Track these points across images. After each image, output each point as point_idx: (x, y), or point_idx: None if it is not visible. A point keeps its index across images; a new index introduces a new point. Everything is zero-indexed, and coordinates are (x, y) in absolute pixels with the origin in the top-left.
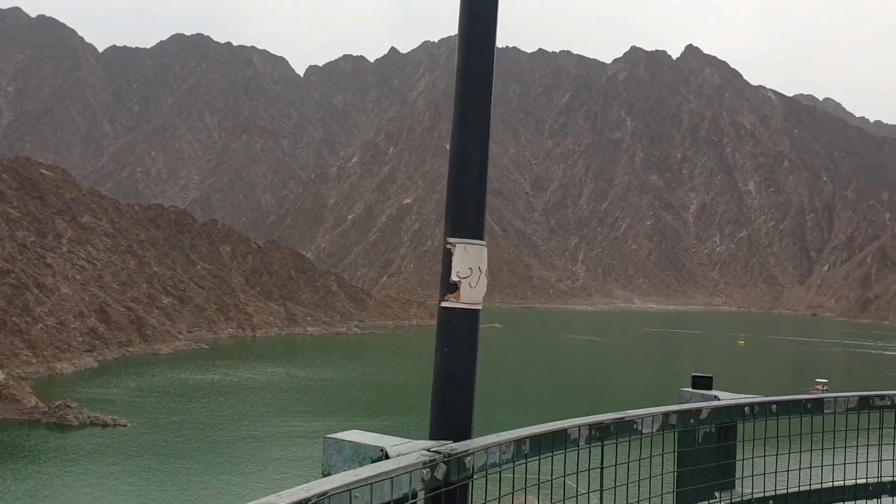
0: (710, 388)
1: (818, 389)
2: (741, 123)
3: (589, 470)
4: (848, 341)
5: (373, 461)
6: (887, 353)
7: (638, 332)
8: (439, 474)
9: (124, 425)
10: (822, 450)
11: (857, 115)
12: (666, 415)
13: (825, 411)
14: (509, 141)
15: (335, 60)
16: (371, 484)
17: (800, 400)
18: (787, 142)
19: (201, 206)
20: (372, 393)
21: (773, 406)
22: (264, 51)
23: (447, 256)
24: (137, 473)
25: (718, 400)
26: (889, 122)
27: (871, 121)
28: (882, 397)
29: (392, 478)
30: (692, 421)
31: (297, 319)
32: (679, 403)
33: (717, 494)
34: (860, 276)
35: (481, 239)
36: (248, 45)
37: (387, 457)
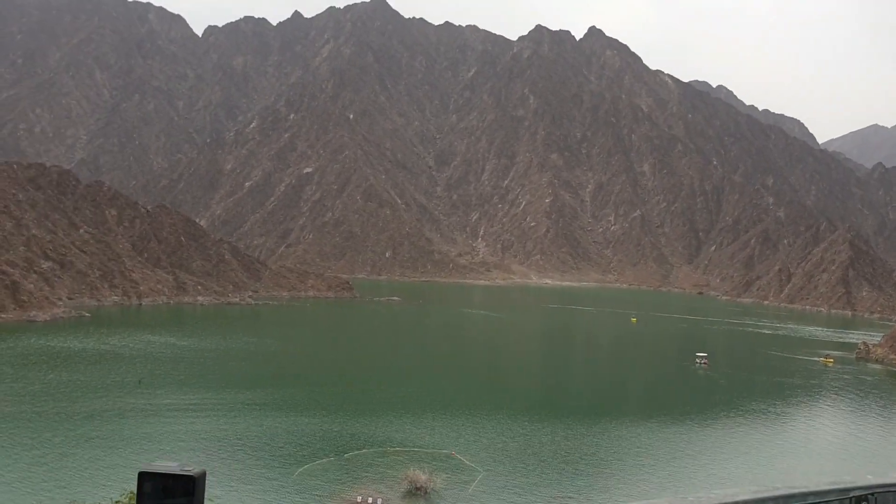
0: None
1: (698, 362)
2: (639, 106)
3: None
4: (730, 319)
5: None
6: (764, 331)
7: (538, 308)
8: None
9: None
10: None
11: (747, 104)
12: None
13: None
14: (414, 114)
15: (235, 22)
16: None
17: None
18: (681, 126)
19: (89, 168)
20: (250, 364)
21: None
22: (160, 8)
23: None
24: None
25: None
26: (775, 112)
27: (760, 109)
28: None
29: None
30: None
31: (187, 288)
32: None
33: None
34: (744, 258)
35: None
36: (144, 0)
37: None
